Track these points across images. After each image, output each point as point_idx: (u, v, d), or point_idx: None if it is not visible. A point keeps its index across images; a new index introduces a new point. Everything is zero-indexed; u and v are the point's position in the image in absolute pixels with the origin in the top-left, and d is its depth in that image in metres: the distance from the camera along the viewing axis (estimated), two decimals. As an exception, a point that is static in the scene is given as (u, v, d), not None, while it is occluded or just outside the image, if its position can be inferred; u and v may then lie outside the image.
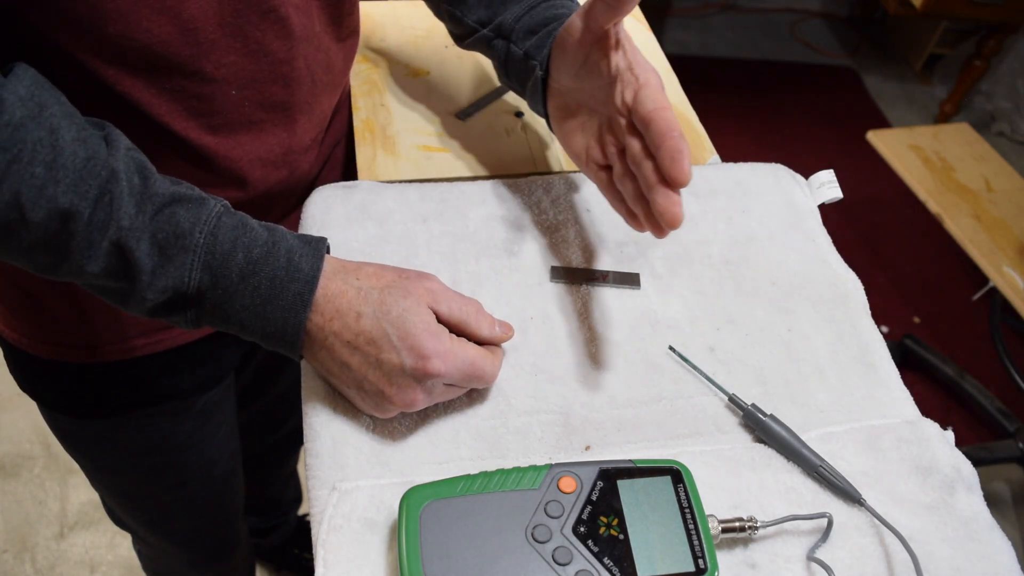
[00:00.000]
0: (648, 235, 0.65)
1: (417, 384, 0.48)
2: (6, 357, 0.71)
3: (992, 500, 1.44)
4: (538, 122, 0.77)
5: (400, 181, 0.68)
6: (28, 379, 0.72)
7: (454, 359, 0.49)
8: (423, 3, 0.72)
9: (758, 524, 0.47)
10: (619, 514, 0.45)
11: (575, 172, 0.71)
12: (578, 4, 0.62)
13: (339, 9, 0.61)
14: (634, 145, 0.50)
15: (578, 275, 0.62)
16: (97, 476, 0.84)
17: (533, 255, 0.63)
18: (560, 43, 0.55)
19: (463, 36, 0.67)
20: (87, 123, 0.46)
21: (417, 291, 0.50)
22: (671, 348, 0.58)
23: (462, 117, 0.77)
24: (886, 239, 2.33)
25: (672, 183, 0.47)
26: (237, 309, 0.48)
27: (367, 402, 0.50)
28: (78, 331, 0.65)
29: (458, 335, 0.51)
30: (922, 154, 1.84)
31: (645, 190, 0.49)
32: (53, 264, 0.46)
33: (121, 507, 0.89)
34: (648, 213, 0.50)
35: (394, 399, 0.49)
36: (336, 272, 0.50)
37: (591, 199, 0.67)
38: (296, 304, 0.48)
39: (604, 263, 0.63)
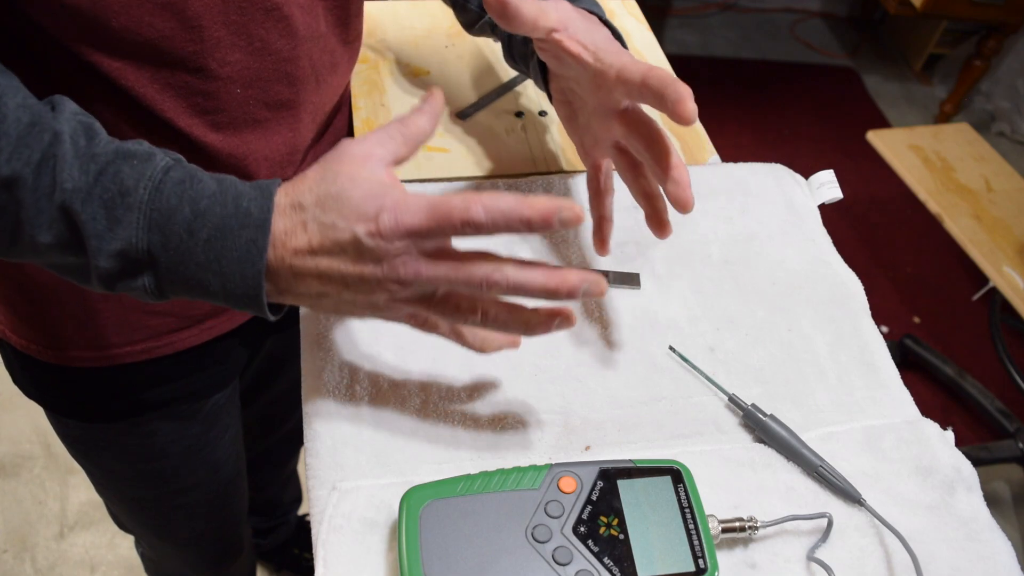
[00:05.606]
0: (648, 235, 0.65)
1: (391, 252, 0.44)
2: (12, 363, 0.71)
3: (992, 500, 1.44)
4: (538, 122, 0.77)
5: (400, 181, 0.68)
6: (35, 385, 0.71)
7: (405, 208, 0.43)
8: (423, 3, 0.72)
9: (758, 524, 0.47)
10: (619, 514, 0.45)
11: (575, 172, 0.71)
12: None
13: (346, 11, 0.61)
14: (636, 143, 0.52)
15: (578, 275, 0.62)
16: (103, 481, 0.83)
17: (533, 255, 0.63)
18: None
19: (470, 23, 0.69)
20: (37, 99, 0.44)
21: (343, 168, 0.46)
22: (671, 348, 0.58)
23: (462, 117, 0.77)
24: (886, 239, 2.33)
25: (681, 120, 0.46)
26: (193, 268, 0.44)
27: (363, 303, 0.46)
28: (86, 335, 0.64)
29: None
30: (922, 154, 1.84)
31: (658, 179, 0.51)
32: (10, 240, 0.44)
33: (126, 512, 0.88)
34: (651, 211, 0.53)
35: (380, 279, 0.44)
36: (289, 208, 0.45)
37: (591, 199, 0.67)
38: (251, 251, 0.44)
39: (604, 263, 0.63)
